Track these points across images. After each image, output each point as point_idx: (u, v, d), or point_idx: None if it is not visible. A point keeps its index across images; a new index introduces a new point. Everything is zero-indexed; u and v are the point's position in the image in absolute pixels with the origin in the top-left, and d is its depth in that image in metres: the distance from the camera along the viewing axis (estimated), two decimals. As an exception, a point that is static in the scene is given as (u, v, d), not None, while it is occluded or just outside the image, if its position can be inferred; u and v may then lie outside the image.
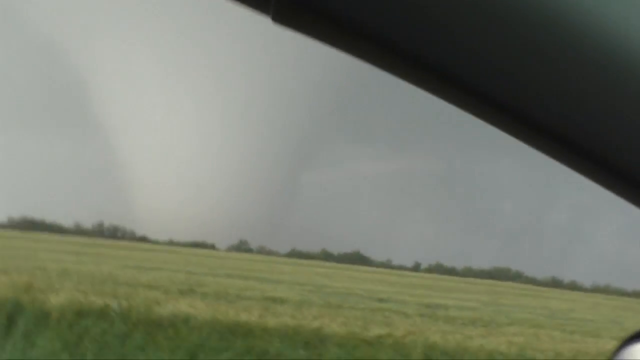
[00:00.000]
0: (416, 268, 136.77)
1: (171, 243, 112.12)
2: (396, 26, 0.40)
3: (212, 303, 13.09)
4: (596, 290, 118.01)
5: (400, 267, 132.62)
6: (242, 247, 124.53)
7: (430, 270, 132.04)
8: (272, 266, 52.63)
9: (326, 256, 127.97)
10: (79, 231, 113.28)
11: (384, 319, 15.04)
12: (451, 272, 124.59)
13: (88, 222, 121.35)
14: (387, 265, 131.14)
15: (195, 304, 12.21)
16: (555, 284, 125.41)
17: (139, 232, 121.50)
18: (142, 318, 9.77)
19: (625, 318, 31.90)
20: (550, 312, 29.77)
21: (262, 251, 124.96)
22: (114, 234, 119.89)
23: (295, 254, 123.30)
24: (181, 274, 24.93)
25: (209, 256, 63.99)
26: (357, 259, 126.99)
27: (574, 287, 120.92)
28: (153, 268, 27.02)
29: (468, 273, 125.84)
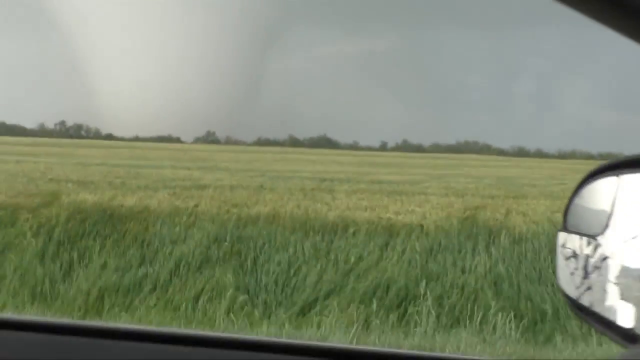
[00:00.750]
0: (383, 147, 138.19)
1: (136, 139, 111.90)
2: None
3: (123, 192, 13.27)
4: (562, 156, 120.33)
5: (368, 148, 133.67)
6: (208, 138, 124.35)
7: (397, 148, 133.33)
8: (232, 155, 52.71)
9: (293, 142, 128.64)
10: (42, 132, 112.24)
11: (308, 197, 15.32)
12: (418, 149, 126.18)
13: (51, 123, 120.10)
14: (354, 147, 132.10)
15: (99, 194, 12.40)
16: (522, 153, 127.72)
17: (104, 130, 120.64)
18: (40, 206, 9.98)
19: (565, 178, 32.84)
20: (494, 180, 30.44)
21: (229, 141, 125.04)
22: (78, 133, 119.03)
23: (262, 142, 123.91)
24: (122, 168, 24.92)
25: (169, 149, 63.83)
26: (324, 142, 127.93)
27: (540, 154, 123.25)
28: (95, 164, 26.98)
29: (435, 149, 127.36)
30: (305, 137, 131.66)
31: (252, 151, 79.28)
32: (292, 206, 11.99)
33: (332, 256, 9.02)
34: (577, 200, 1.23)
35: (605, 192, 1.15)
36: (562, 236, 1.25)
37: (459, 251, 9.75)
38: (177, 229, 8.82)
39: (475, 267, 9.28)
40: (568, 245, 1.23)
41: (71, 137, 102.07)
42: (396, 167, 41.80)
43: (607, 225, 1.12)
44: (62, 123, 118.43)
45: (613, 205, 1.12)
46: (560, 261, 1.24)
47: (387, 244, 9.84)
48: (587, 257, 1.15)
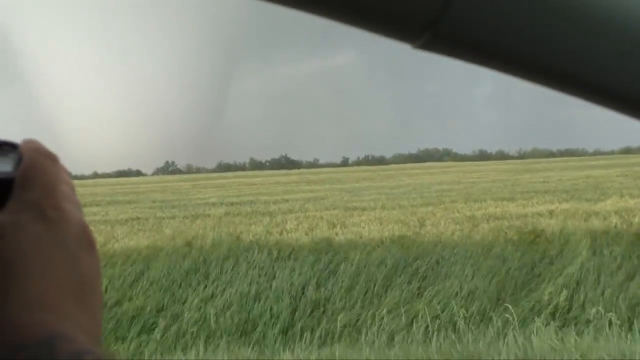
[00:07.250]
0: (345, 163, 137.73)
1: (95, 175, 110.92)
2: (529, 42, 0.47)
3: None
4: (523, 156, 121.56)
5: (329, 165, 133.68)
6: (169, 168, 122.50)
7: (359, 163, 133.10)
8: (176, 185, 52.95)
9: (254, 165, 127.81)
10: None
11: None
12: (381, 161, 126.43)
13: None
14: (314, 165, 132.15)
15: None
16: (483, 156, 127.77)
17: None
18: None
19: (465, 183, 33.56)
20: (411, 187, 31.23)
21: (189, 170, 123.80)
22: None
23: (222, 168, 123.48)
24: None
25: (121, 184, 63.74)
26: (286, 163, 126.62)
27: (501, 156, 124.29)
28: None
29: (397, 159, 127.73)
30: (267, 159, 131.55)
31: (212, 178, 79.25)
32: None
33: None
34: None
35: None
36: None
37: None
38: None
39: None
40: None
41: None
42: (331, 183, 42.33)
43: None
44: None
45: None
46: None
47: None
48: None
